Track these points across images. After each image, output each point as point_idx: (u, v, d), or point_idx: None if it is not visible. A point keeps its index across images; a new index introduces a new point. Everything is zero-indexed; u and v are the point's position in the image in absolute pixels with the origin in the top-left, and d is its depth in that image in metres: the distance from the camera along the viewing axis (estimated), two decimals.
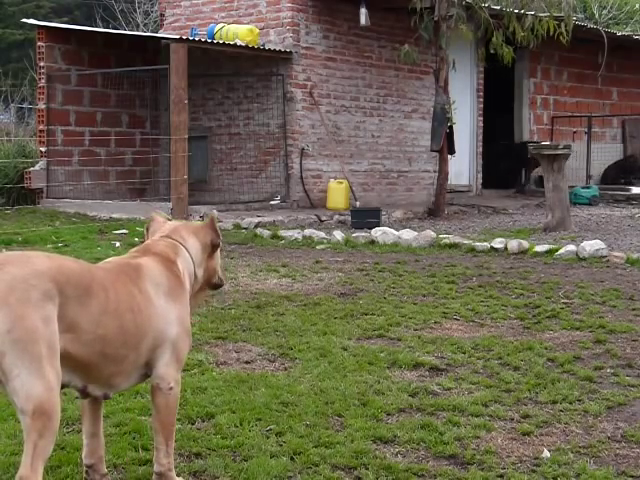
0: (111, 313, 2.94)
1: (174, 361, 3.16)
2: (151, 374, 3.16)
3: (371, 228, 11.09)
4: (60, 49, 14.72)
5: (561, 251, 9.15)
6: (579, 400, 4.42)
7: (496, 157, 17.64)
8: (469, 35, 13.32)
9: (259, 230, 11.26)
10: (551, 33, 13.66)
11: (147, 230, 3.50)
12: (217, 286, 3.65)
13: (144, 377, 3.21)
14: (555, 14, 13.94)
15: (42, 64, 14.54)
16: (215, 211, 3.49)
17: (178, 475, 3.35)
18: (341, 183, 14.35)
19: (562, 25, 13.74)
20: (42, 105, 14.56)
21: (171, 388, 3.15)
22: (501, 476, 3.51)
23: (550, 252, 9.24)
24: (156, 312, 3.11)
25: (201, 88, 15.15)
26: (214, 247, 3.46)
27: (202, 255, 3.42)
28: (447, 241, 9.99)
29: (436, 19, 13.38)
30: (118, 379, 3.08)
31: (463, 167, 17.37)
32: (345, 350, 5.35)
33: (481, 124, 17.75)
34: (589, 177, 18.39)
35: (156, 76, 14.85)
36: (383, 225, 11.69)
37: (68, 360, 2.82)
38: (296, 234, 10.77)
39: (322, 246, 10.17)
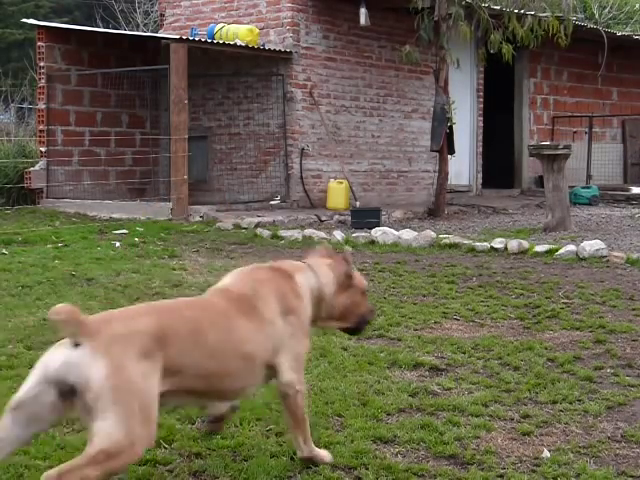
0: (218, 350, 3.19)
1: (295, 365, 3.42)
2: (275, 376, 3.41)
3: (371, 228, 11.09)
4: (60, 49, 14.72)
5: (561, 251, 9.15)
6: (579, 400, 4.42)
7: None
8: (468, 32, 13.29)
9: (259, 230, 11.26)
10: (553, 33, 13.64)
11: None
12: (354, 330, 3.89)
13: (269, 377, 3.43)
14: (556, 14, 13.93)
15: (42, 64, 14.54)
16: (349, 249, 3.75)
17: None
18: (341, 183, 14.35)
19: (561, 28, 13.73)
20: (42, 105, 14.57)
21: (297, 391, 3.42)
22: (501, 476, 3.51)
23: (550, 252, 9.23)
24: (266, 332, 3.33)
25: (201, 88, 15.14)
26: (347, 278, 3.67)
27: (332, 282, 3.64)
28: (447, 241, 9.99)
29: (436, 19, 13.38)
30: (239, 392, 3.38)
31: (463, 167, 17.37)
32: (345, 350, 5.35)
33: (481, 124, 17.75)
34: (589, 177, 18.39)
35: (156, 76, 14.86)
36: (383, 225, 11.69)
37: (181, 394, 3.13)
38: (296, 234, 10.77)
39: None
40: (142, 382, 2.91)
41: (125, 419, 2.84)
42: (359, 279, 3.81)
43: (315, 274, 3.62)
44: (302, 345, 3.49)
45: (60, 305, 2.93)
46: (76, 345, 2.88)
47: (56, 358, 2.89)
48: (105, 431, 2.82)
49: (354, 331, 3.95)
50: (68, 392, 2.86)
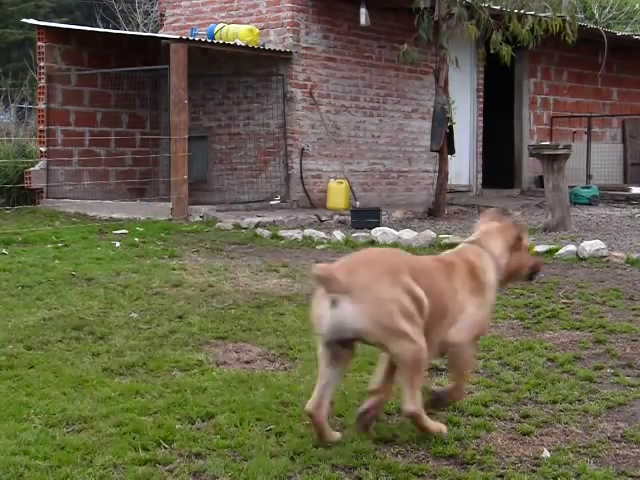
0: (435, 294, 3.81)
1: (466, 330, 3.94)
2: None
3: (371, 228, 11.09)
4: (60, 49, 14.72)
5: (561, 251, 9.15)
6: (579, 400, 4.42)
7: None
8: (473, 31, 13.26)
9: (259, 230, 11.26)
10: (555, 32, 13.65)
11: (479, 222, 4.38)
12: (530, 277, 4.42)
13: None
14: (557, 14, 13.93)
15: (42, 64, 14.53)
16: (515, 212, 4.21)
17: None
18: (341, 183, 14.35)
19: (567, 25, 13.74)
20: (42, 105, 14.56)
21: (462, 348, 3.95)
22: (501, 476, 3.51)
23: (550, 252, 9.23)
24: (457, 298, 3.93)
25: (201, 88, 15.14)
26: (519, 240, 4.19)
27: (506, 251, 4.17)
28: (447, 241, 9.98)
29: (436, 19, 13.38)
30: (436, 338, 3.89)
31: (463, 167, 17.37)
32: None
33: (481, 124, 17.75)
34: (589, 177, 18.39)
35: (156, 76, 14.86)
36: (383, 225, 11.69)
37: None
38: (296, 234, 10.77)
39: (322, 246, 10.16)
40: (411, 306, 3.62)
41: (407, 342, 3.61)
42: (526, 239, 4.32)
43: (491, 252, 4.12)
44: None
45: (317, 265, 3.61)
46: (334, 302, 3.54)
47: (323, 318, 3.62)
48: (401, 355, 3.64)
49: (528, 280, 4.55)
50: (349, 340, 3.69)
